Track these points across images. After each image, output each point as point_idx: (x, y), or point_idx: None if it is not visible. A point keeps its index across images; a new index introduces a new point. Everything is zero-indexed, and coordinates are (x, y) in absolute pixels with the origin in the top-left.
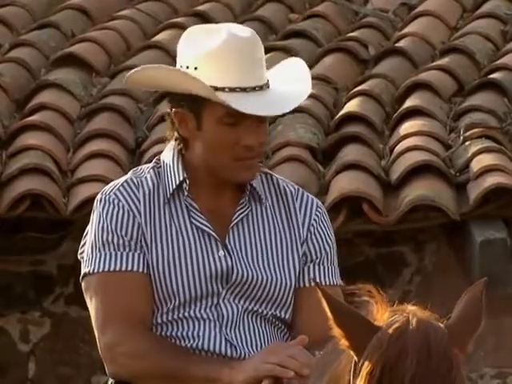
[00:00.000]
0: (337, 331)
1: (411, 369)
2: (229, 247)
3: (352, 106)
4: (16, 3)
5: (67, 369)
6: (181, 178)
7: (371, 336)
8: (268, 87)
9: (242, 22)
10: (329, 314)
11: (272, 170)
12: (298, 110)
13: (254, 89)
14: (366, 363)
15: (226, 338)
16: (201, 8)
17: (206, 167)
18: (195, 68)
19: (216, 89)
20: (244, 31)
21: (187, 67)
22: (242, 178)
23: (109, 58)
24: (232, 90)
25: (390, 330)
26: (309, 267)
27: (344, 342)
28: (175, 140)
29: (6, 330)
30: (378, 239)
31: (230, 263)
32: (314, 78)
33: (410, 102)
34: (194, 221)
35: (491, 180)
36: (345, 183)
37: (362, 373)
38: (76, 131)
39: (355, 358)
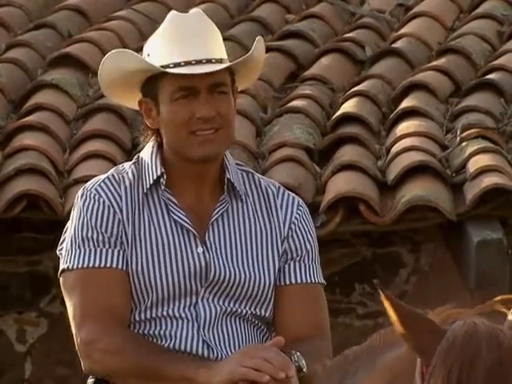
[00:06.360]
0: (402, 333)
1: (488, 366)
2: (208, 244)
3: (348, 106)
4: (12, 3)
5: (64, 369)
6: (158, 173)
7: (439, 338)
8: (221, 62)
9: (238, 23)
10: (393, 316)
11: (268, 170)
12: (294, 111)
13: (200, 62)
14: (441, 364)
15: (203, 339)
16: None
17: (174, 153)
18: (148, 55)
19: (163, 67)
20: (190, 12)
21: (148, 55)
22: (202, 152)
23: None
24: (177, 64)
25: (461, 331)
26: (289, 265)
27: (410, 344)
28: (152, 135)
29: (2, 330)
30: (375, 239)
31: (208, 260)
32: (310, 78)
33: (406, 103)
34: (172, 215)
35: (488, 180)
36: (341, 184)
37: (438, 373)
38: (72, 132)
39: (422, 359)
